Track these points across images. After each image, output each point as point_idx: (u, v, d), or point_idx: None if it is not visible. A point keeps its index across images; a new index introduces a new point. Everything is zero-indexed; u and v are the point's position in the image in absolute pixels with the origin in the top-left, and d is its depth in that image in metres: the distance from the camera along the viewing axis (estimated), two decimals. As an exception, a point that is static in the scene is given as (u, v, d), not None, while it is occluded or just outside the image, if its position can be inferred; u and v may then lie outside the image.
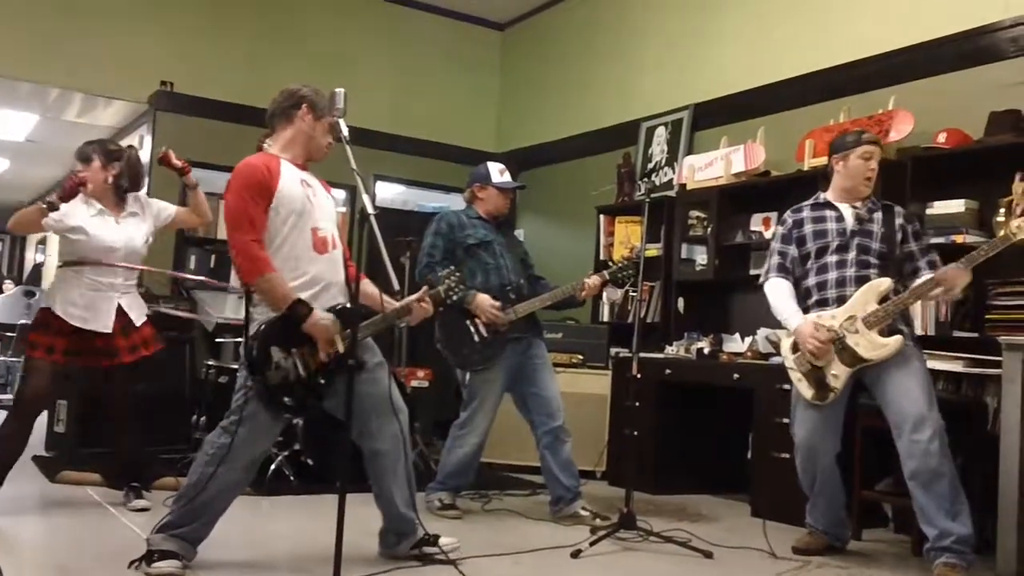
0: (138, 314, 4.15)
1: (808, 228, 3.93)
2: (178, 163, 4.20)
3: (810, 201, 4.02)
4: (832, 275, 3.82)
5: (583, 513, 4.38)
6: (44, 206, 3.80)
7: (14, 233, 3.91)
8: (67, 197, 3.82)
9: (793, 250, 3.96)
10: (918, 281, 3.70)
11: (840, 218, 3.89)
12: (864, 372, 3.70)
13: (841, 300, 3.76)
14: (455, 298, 3.59)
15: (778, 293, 3.95)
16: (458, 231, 4.49)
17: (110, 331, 4.01)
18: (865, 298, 3.70)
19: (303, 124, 3.27)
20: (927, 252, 3.83)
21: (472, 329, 4.37)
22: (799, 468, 3.92)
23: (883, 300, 3.68)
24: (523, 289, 4.50)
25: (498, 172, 4.60)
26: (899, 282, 3.77)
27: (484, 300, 4.35)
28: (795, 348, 3.85)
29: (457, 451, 4.46)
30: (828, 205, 3.94)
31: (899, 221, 3.85)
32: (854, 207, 3.89)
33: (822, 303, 3.82)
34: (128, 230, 4.13)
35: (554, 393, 4.48)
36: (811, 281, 3.88)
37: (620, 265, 4.48)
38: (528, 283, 4.57)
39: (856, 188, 3.88)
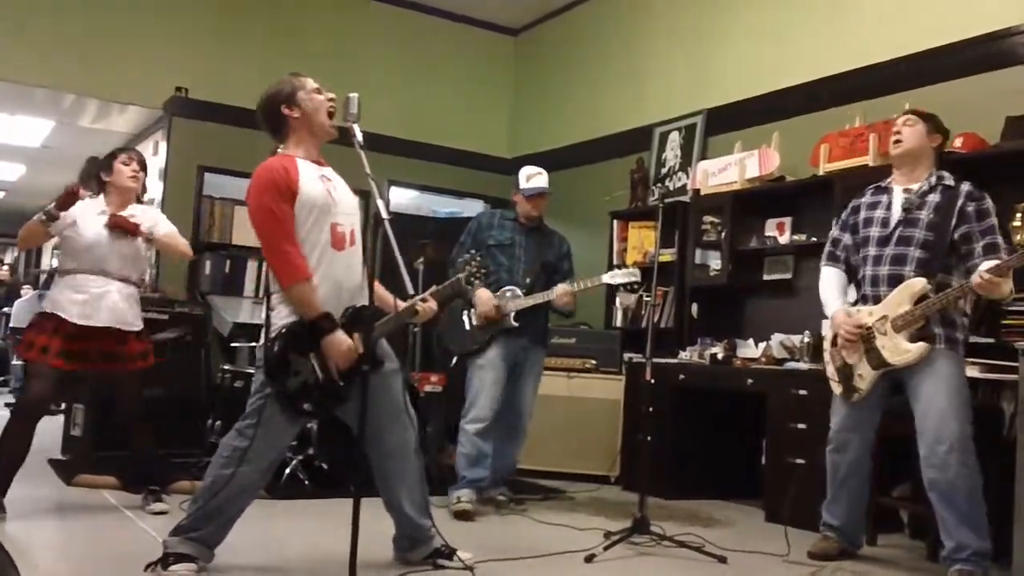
0: (117, 318, 4.02)
1: (862, 215, 3.86)
2: (130, 226, 4.06)
3: (875, 185, 3.93)
4: (868, 271, 3.77)
5: (500, 498, 4.74)
6: (44, 218, 3.83)
7: (25, 248, 3.90)
8: (63, 206, 3.84)
9: (847, 237, 3.90)
10: (951, 288, 3.59)
11: (889, 205, 3.77)
12: (898, 375, 3.66)
13: (876, 299, 3.71)
14: (477, 282, 3.64)
15: (824, 282, 3.94)
16: (485, 230, 4.77)
17: (104, 326, 3.97)
18: (899, 298, 3.62)
19: (292, 118, 3.24)
20: (987, 234, 3.56)
21: (465, 317, 4.63)
22: (828, 459, 3.91)
23: (919, 300, 3.57)
24: (531, 291, 4.64)
25: (525, 178, 4.81)
26: (946, 272, 3.62)
27: (484, 294, 4.58)
28: (834, 341, 3.82)
29: (464, 441, 4.58)
30: (886, 190, 3.83)
31: (960, 201, 3.60)
32: (907, 190, 3.75)
33: (863, 299, 3.78)
34: None
35: (527, 408, 4.76)
36: (860, 274, 3.84)
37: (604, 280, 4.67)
38: (543, 287, 4.66)
39: (896, 162, 3.81)
